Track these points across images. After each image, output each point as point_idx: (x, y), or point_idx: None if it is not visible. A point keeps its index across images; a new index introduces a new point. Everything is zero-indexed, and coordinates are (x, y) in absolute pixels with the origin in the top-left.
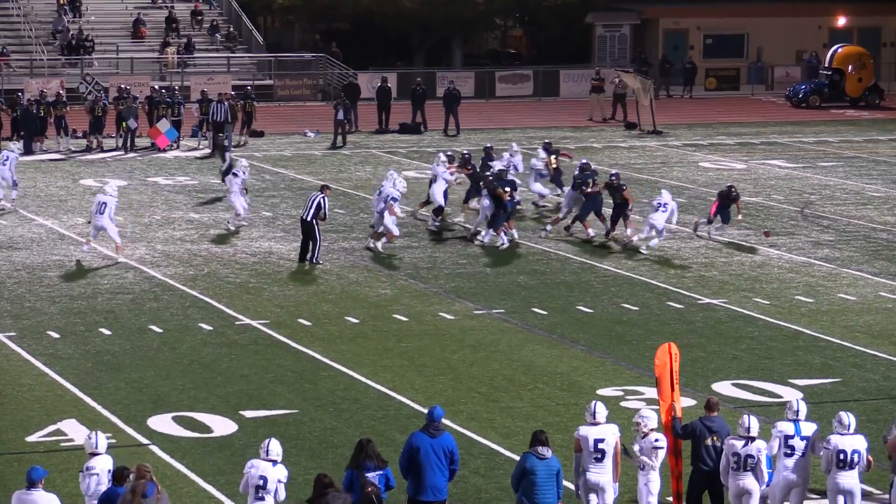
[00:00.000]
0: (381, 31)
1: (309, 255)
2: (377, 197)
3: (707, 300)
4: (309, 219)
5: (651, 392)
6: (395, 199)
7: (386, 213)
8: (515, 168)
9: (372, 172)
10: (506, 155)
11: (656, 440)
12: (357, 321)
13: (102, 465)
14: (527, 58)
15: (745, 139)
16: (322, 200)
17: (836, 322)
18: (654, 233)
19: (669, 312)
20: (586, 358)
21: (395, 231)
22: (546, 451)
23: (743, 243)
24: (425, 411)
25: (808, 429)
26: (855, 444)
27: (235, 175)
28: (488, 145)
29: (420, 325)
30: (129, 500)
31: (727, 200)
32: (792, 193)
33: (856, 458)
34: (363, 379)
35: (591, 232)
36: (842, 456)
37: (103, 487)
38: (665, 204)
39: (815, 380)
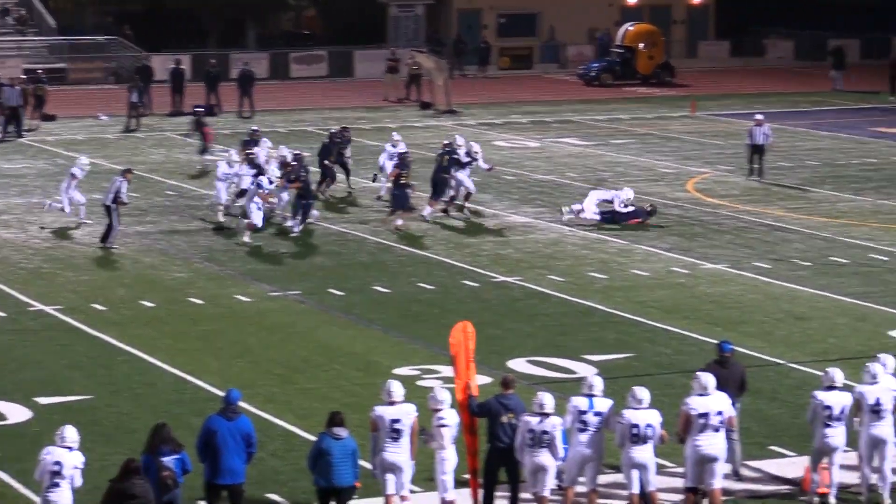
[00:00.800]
0: (174, 13)
1: (102, 238)
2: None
3: (502, 278)
4: (108, 203)
5: (448, 371)
6: (260, 186)
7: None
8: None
9: (166, 155)
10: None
11: (441, 418)
12: (153, 305)
13: None
14: (321, 38)
15: (539, 118)
16: (122, 184)
17: (629, 298)
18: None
19: (465, 291)
20: (383, 338)
21: (257, 221)
22: (342, 432)
23: (538, 221)
24: (222, 394)
25: (603, 404)
26: (648, 418)
27: (74, 176)
28: (344, 126)
29: (216, 307)
30: None
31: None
32: (585, 171)
33: (649, 433)
34: (159, 363)
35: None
36: (635, 430)
37: None
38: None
39: (609, 355)
